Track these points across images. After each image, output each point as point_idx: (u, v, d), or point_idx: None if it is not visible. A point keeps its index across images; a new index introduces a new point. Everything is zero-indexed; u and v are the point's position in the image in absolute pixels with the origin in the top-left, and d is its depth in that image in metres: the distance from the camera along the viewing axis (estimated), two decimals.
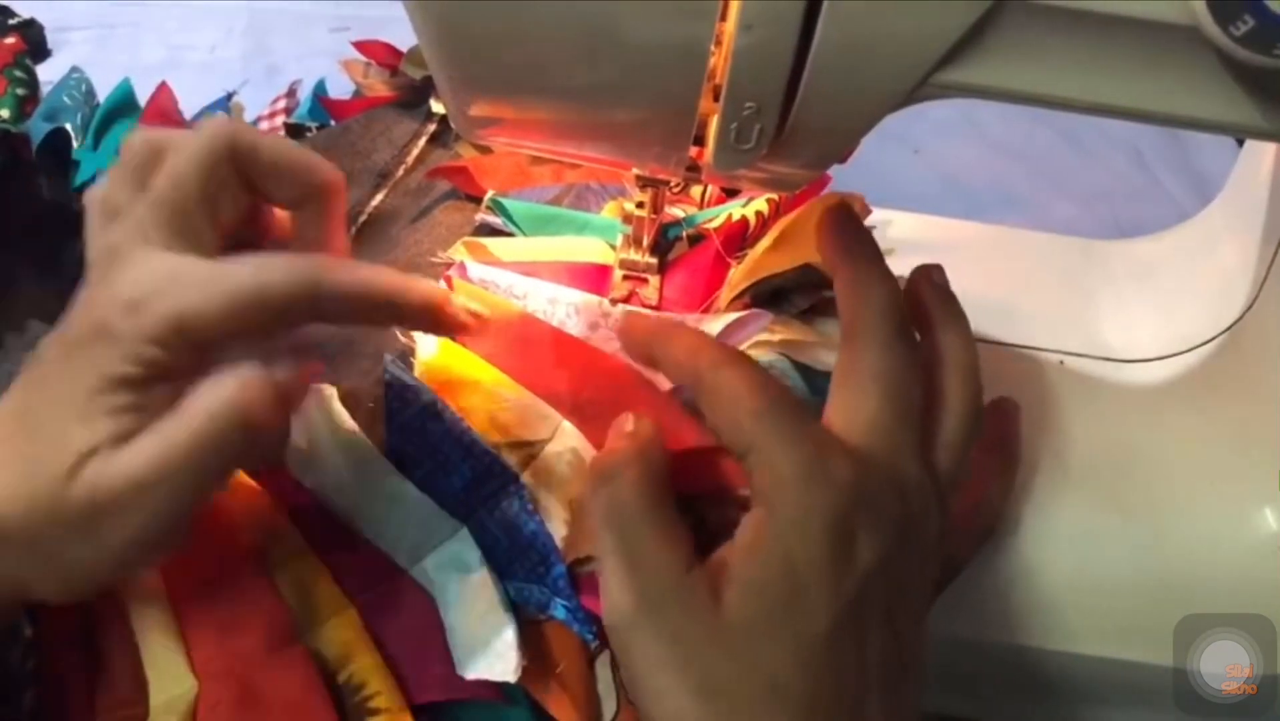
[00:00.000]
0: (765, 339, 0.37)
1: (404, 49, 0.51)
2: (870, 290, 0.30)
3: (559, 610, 0.33)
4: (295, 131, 0.50)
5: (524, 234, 0.42)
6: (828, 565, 0.25)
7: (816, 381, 0.37)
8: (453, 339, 0.35)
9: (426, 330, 0.34)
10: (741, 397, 0.27)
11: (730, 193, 0.44)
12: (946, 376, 0.31)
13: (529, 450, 0.34)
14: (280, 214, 0.32)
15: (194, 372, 0.27)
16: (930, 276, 0.33)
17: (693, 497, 0.31)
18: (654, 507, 0.27)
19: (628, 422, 0.29)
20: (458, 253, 0.39)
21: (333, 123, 0.51)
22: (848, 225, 0.32)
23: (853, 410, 0.28)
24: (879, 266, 0.31)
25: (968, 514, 0.35)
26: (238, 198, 0.30)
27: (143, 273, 0.27)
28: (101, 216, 0.29)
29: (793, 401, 0.28)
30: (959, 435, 0.30)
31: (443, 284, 0.38)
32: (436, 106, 0.49)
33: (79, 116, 0.52)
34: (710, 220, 0.42)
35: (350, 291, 0.28)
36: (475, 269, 0.38)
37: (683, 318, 0.38)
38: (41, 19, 0.62)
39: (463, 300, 0.33)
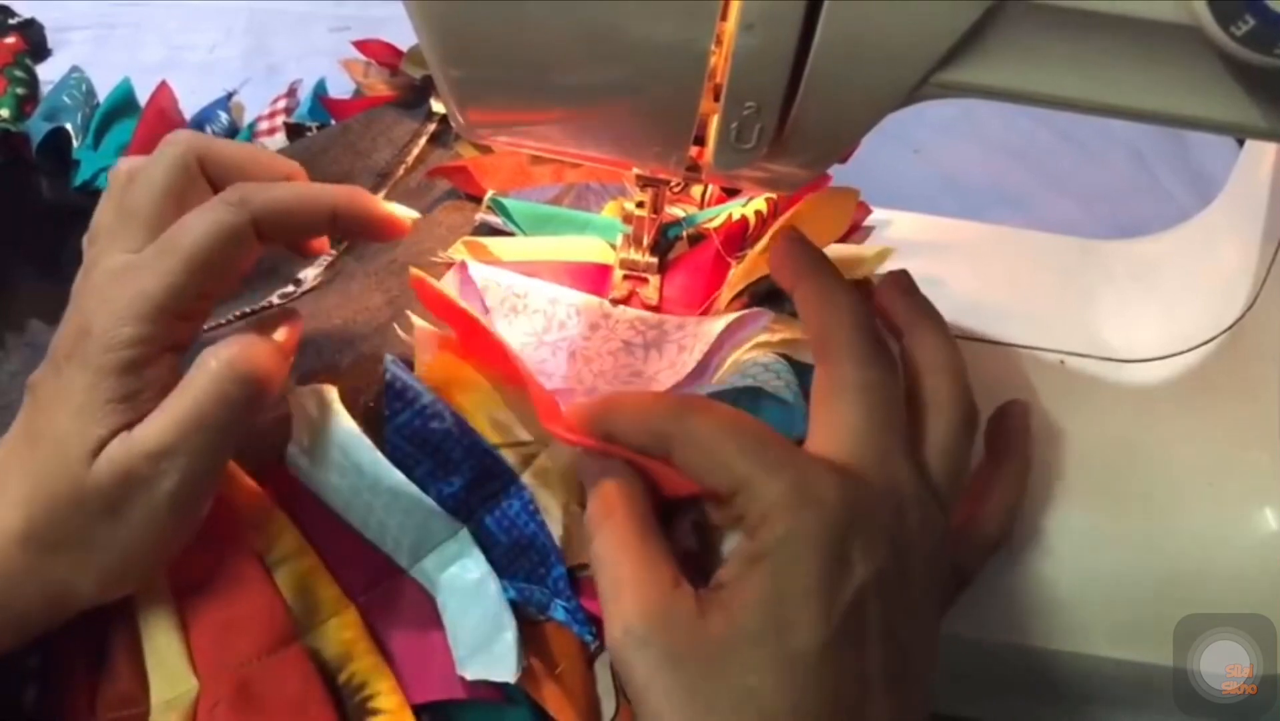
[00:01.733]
0: (765, 339, 0.37)
1: (404, 48, 0.51)
2: (836, 304, 0.30)
3: (559, 611, 0.33)
4: (295, 131, 0.50)
5: (524, 233, 0.42)
6: (820, 585, 0.25)
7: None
8: (383, 239, 0.35)
9: (360, 234, 0.35)
10: (717, 439, 0.27)
11: (730, 192, 0.44)
12: (930, 380, 0.31)
13: (529, 450, 0.34)
14: None
15: (184, 347, 0.29)
16: (897, 283, 0.33)
17: (696, 498, 0.31)
18: (640, 547, 0.28)
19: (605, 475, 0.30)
20: (458, 252, 0.39)
21: (333, 122, 0.51)
22: (801, 244, 0.32)
23: (837, 427, 0.28)
24: (839, 279, 0.31)
25: (973, 523, 0.35)
26: (205, 197, 0.31)
27: (109, 270, 0.29)
28: (88, 243, 0.31)
29: (768, 432, 0.28)
30: (952, 439, 0.30)
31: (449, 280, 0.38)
32: (437, 106, 0.49)
33: (79, 116, 0.52)
34: (710, 220, 0.42)
35: (279, 206, 0.30)
36: (477, 269, 0.38)
37: (683, 319, 0.38)
38: (41, 19, 0.62)
39: (393, 206, 0.34)
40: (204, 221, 0.29)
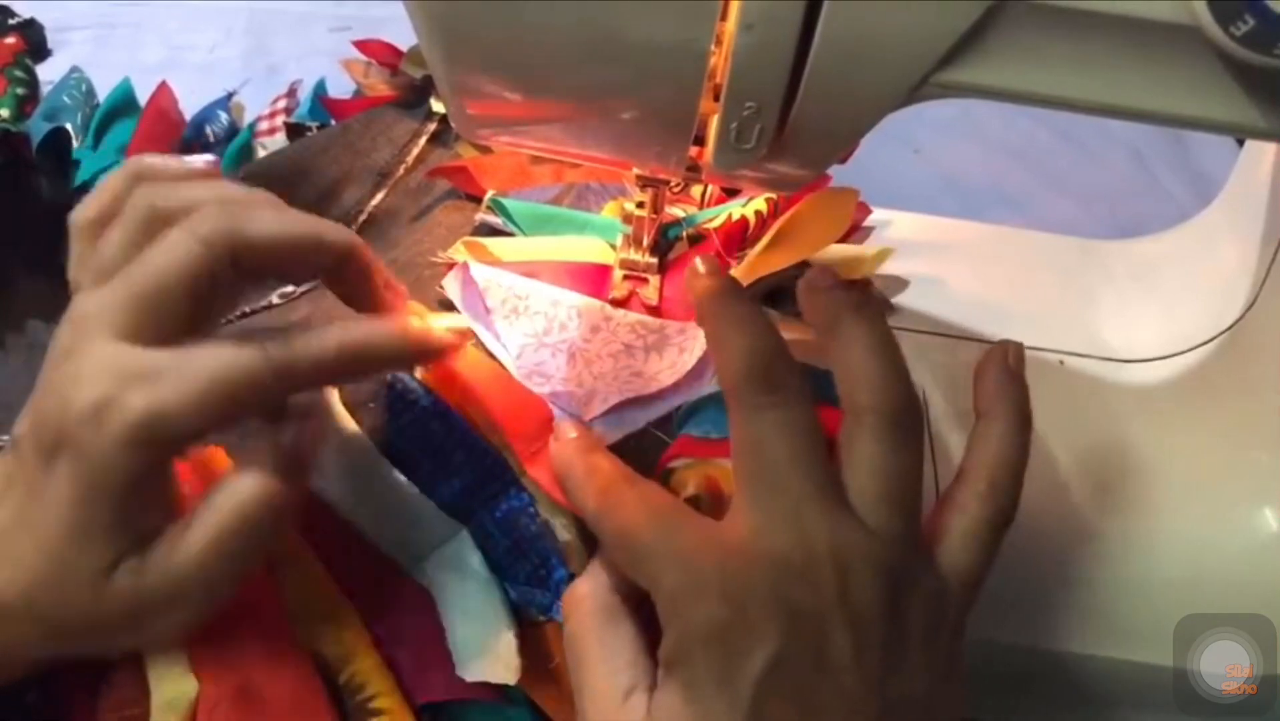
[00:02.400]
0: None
1: (404, 48, 0.51)
2: (727, 348, 0.28)
3: (560, 613, 0.33)
4: (295, 131, 0.50)
5: (524, 233, 0.42)
6: (721, 678, 0.25)
7: (817, 380, 0.37)
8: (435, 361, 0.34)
9: (416, 364, 0.33)
10: (627, 537, 0.27)
11: (730, 192, 0.44)
12: (971, 468, 0.29)
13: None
14: None
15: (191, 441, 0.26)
16: (1002, 358, 0.31)
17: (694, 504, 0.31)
18: (599, 648, 0.28)
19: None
20: (458, 252, 0.39)
21: (333, 122, 0.51)
22: (706, 277, 0.30)
23: (737, 490, 0.27)
24: (737, 317, 0.29)
25: (952, 509, 0.30)
26: (234, 289, 0.28)
27: (100, 370, 0.25)
28: (82, 268, 0.28)
29: (675, 518, 0.27)
30: (877, 449, 0.27)
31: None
32: (437, 106, 0.49)
33: (79, 116, 0.52)
34: (710, 220, 0.42)
35: (316, 364, 0.27)
36: (478, 269, 0.38)
37: (684, 324, 0.38)
38: (41, 19, 0.62)
39: (445, 325, 0.33)
40: (230, 358, 0.26)
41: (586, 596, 0.29)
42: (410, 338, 0.29)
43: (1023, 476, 0.29)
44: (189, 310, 0.26)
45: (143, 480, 0.25)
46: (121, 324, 0.26)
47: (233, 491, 0.27)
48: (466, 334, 0.33)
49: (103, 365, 0.25)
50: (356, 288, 0.30)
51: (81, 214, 0.28)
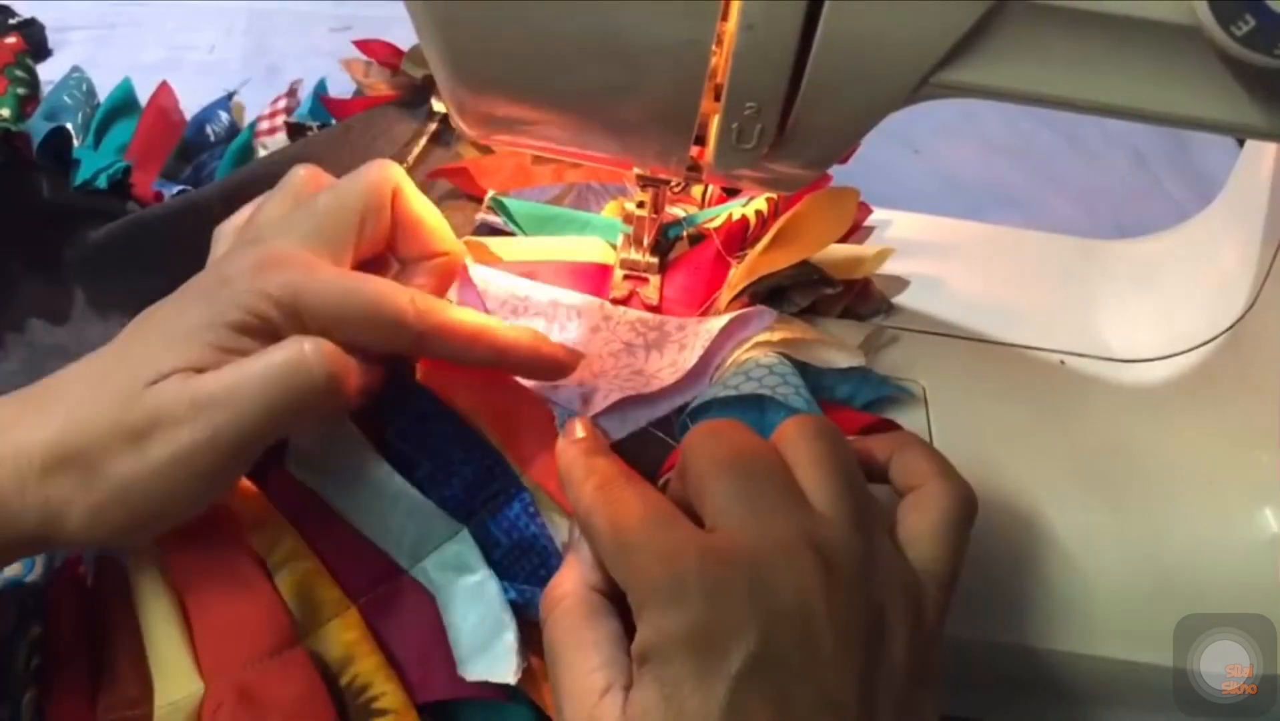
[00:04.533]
0: (765, 338, 0.37)
1: (405, 48, 0.51)
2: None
3: None
4: (296, 131, 0.50)
5: (525, 233, 0.42)
6: (697, 679, 0.24)
7: (817, 379, 0.37)
8: (550, 379, 0.35)
9: (528, 375, 0.35)
10: (612, 535, 0.27)
11: (731, 192, 0.44)
12: (915, 476, 0.30)
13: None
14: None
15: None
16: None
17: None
18: (576, 647, 0.27)
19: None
20: None
21: (333, 122, 0.51)
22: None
23: (710, 503, 0.27)
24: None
25: (912, 511, 0.30)
26: (377, 238, 0.33)
27: (279, 250, 0.30)
28: (247, 224, 0.33)
29: (660, 520, 0.27)
30: (826, 455, 0.28)
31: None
32: (438, 106, 0.49)
33: (79, 116, 0.52)
34: (711, 220, 0.42)
35: (453, 334, 0.31)
36: (477, 271, 0.38)
37: (684, 320, 0.38)
38: (41, 19, 0.62)
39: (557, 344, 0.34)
40: (386, 287, 0.30)
41: (565, 595, 0.29)
42: (532, 343, 0.33)
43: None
44: (353, 235, 0.32)
45: (256, 330, 0.29)
46: (301, 237, 0.31)
47: (303, 345, 0.29)
48: (576, 354, 0.35)
49: (285, 249, 0.30)
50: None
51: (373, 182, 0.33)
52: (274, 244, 0.30)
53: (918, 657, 0.27)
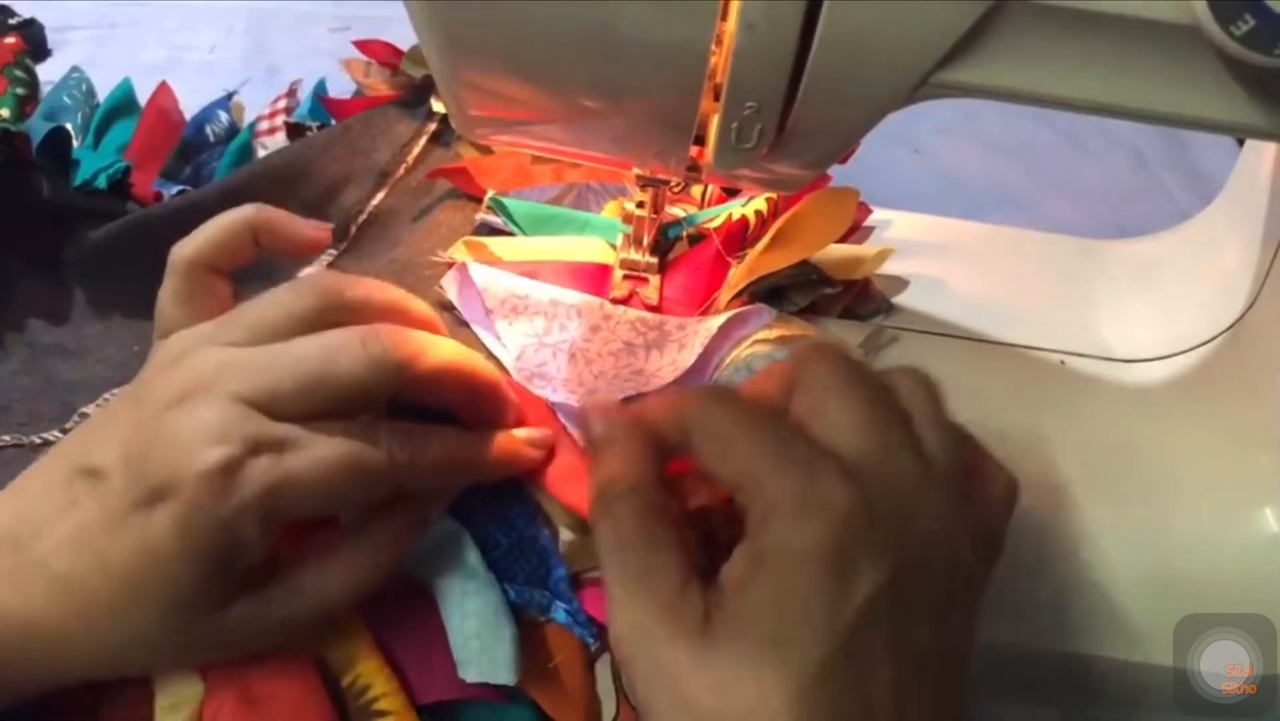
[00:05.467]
0: (764, 336, 0.37)
1: (404, 48, 0.51)
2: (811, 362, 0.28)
3: (559, 613, 0.33)
4: (296, 131, 0.50)
5: (524, 233, 0.42)
6: (822, 600, 0.24)
7: None
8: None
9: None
10: (732, 429, 0.27)
11: (730, 192, 0.44)
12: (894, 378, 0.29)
13: None
14: None
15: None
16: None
17: (704, 513, 0.30)
18: (649, 537, 0.26)
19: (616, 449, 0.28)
20: (458, 252, 0.39)
21: (333, 122, 0.51)
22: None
23: (837, 426, 0.27)
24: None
25: (979, 479, 0.31)
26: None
27: (226, 431, 0.26)
28: (180, 303, 0.31)
29: (789, 430, 0.27)
30: (937, 409, 0.29)
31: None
32: (437, 106, 0.49)
33: (79, 116, 0.52)
34: (710, 220, 0.42)
35: (431, 465, 0.30)
36: (477, 270, 0.38)
37: (684, 320, 0.38)
38: (41, 19, 0.62)
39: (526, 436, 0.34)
40: (357, 451, 0.28)
41: (629, 489, 0.27)
42: (510, 459, 0.32)
43: None
44: (330, 408, 0.28)
45: (252, 540, 0.27)
46: (259, 393, 0.27)
47: (345, 567, 0.29)
48: (550, 442, 0.34)
49: (230, 426, 0.26)
50: (489, 416, 0.33)
51: (191, 250, 0.31)
52: (218, 416, 0.27)
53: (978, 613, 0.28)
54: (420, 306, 0.32)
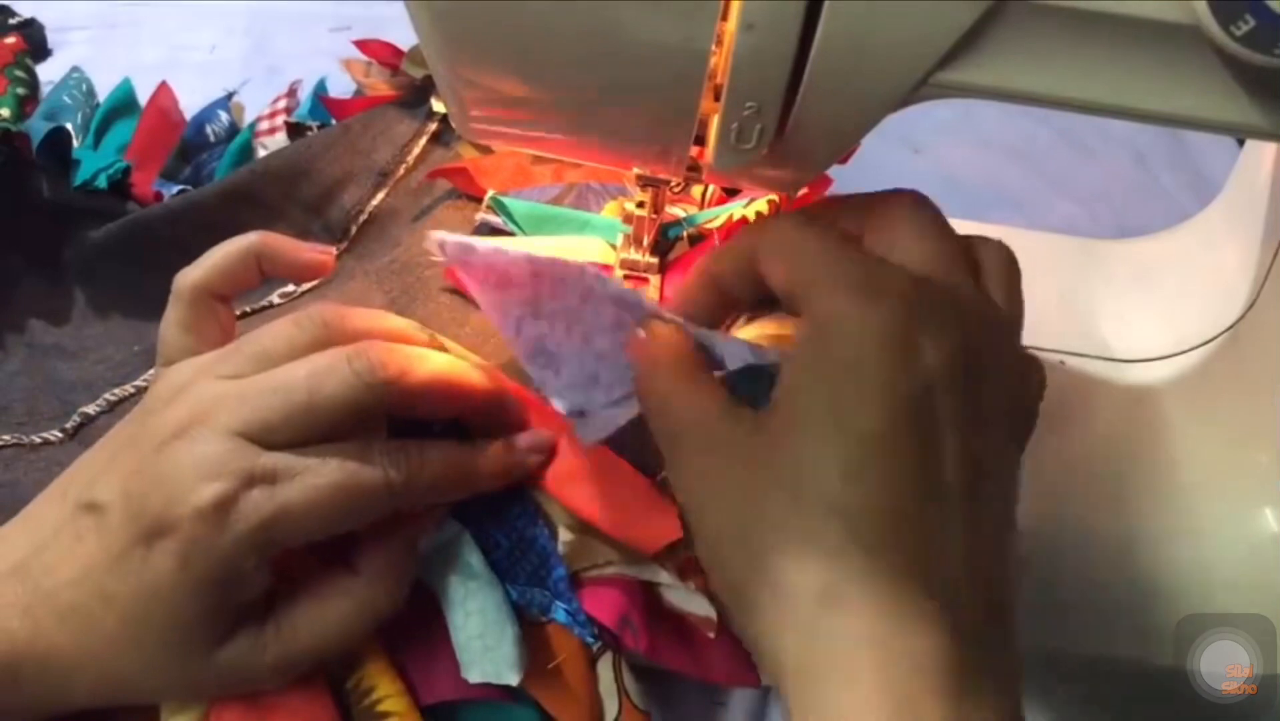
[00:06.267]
0: (758, 331, 0.36)
1: (405, 48, 0.51)
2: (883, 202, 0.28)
3: (560, 613, 0.33)
4: (296, 131, 0.50)
5: (524, 233, 0.42)
6: (884, 365, 0.24)
7: None
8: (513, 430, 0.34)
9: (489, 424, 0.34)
10: (797, 238, 0.27)
11: (731, 192, 0.44)
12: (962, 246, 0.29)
13: None
14: None
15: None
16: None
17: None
18: (690, 383, 0.27)
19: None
20: None
21: (333, 122, 0.51)
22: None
23: (903, 245, 0.27)
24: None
25: None
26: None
27: (222, 466, 0.27)
28: (184, 330, 0.31)
29: (850, 239, 0.27)
30: (1004, 263, 0.28)
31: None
32: (437, 106, 0.49)
33: (79, 116, 0.52)
34: (711, 220, 0.42)
35: (427, 484, 0.30)
36: (452, 238, 0.37)
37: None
38: (41, 19, 0.62)
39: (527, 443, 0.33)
40: (352, 475, 0.28)
41: (675, 340, 0.28)
42: (508, 470, 0.32)
43: None
44: (322, 432, 0.28)
45: (250, 573, 0.27)
46: (250, 424, 0.27)
47: (340, 607, 0.29)
48: (552, 445, 0.33)
49: (224, 461, 0.27)
50: (490, 423, 0.33)
51: (196, 278, 0.31)
52: (213, 450, 0.27)
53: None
54: (421, 336, 0.32)
